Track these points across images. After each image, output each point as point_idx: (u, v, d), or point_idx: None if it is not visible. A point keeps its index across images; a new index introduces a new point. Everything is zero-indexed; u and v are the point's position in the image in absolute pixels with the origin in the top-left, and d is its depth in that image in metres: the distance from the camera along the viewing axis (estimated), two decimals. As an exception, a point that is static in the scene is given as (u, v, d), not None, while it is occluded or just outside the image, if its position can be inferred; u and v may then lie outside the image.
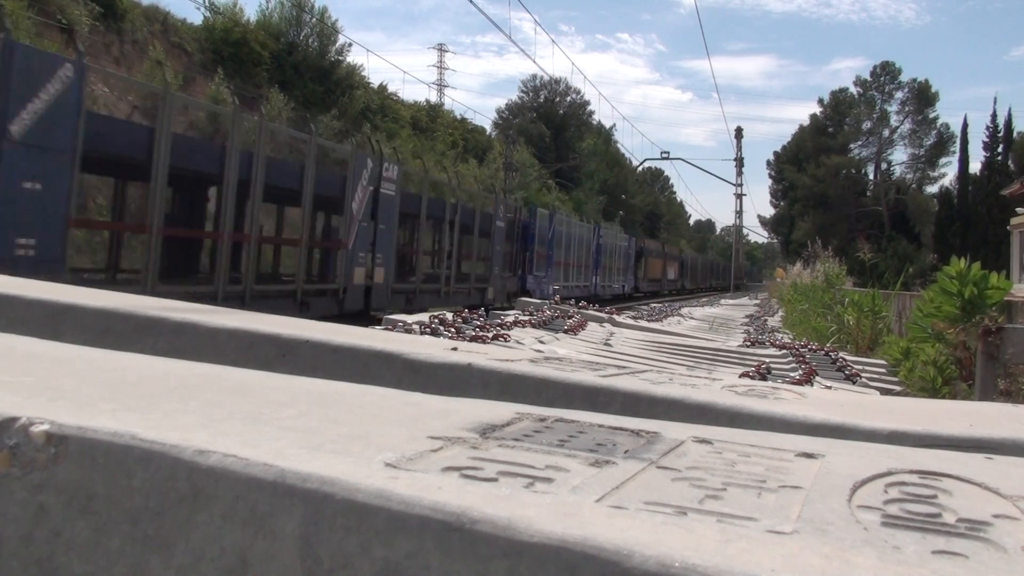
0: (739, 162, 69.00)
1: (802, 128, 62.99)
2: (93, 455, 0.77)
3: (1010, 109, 63.47)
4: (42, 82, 7.79)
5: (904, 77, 57.43)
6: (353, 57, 47.72)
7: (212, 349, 1.69)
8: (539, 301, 8.11)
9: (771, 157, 68.60)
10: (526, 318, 5.98)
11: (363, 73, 33.00)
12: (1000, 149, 39.28)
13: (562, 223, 26.75)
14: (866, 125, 58.37)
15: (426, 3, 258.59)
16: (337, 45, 31.10)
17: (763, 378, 3.71)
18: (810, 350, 5.43)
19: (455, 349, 1.81)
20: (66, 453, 0.78)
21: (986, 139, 39.47)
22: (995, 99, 77.51)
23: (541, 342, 4.49)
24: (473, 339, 4.14)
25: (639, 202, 64.96)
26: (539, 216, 24.46)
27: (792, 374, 4.09)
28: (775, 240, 77.67)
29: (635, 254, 38.02)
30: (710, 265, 68.12)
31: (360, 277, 13.52)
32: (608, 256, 32.45)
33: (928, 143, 57.26)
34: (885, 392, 4.09)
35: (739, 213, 71.13)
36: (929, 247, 42.21)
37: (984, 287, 5.42)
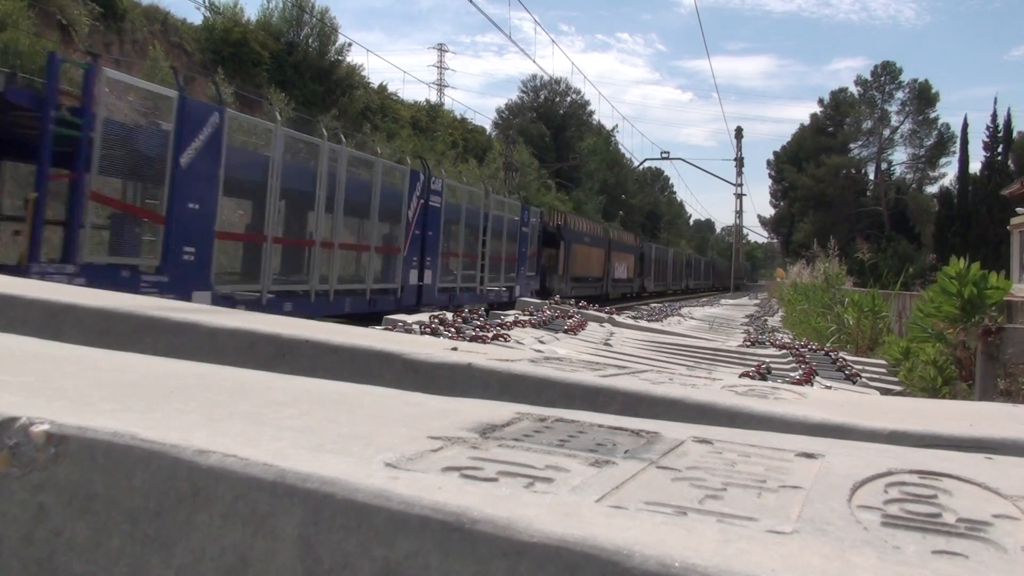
0: (739, 162, 68.99)
1: (802, 128, 63.12)
2: (93, 455, 0.77)
3: (1009, 109, 63.52)
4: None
5: (904, 77, 57.63)
6: (353, 57, 47.65)
7: (212, 349, 1.69)
8: (539, 301, 8.10)
9: (771, 157, 68.78)
10: (526, 318, 5.99)
11: (363, 73, 33.03)
12: (1000, 149, 39.30)
13: (259, 137, 11.58)
14: (866, 125, 58.49)
15: (426, 3, 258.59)
16: (337, 45, 31.13)
17: (763, 378, 3.72)
18: (810, 350, 5.44)
19: (455, 349, 1.81)
20: (66, 453, 0.78)
21: (986, 139, 39.52)
22: (995, 99, 77.61)
23: (541, 342, 4.49)
24: (473, 339, 4.15)
25: (639, 202, 64.94)
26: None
27: (792, 374, 4.09)
28: (775, 240, 77.73)
29: (541, 237, 23.44)
30: (687, 262, 54.63)
31: None
32: (465, 236, 17.51)
33: (928, 143, 57.38)
34: (885, 392, 4.09)
35: (739, 213, 71.12)
36: (929, 247, 42.24)
37: (984, 287, 5.43)
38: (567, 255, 26.11)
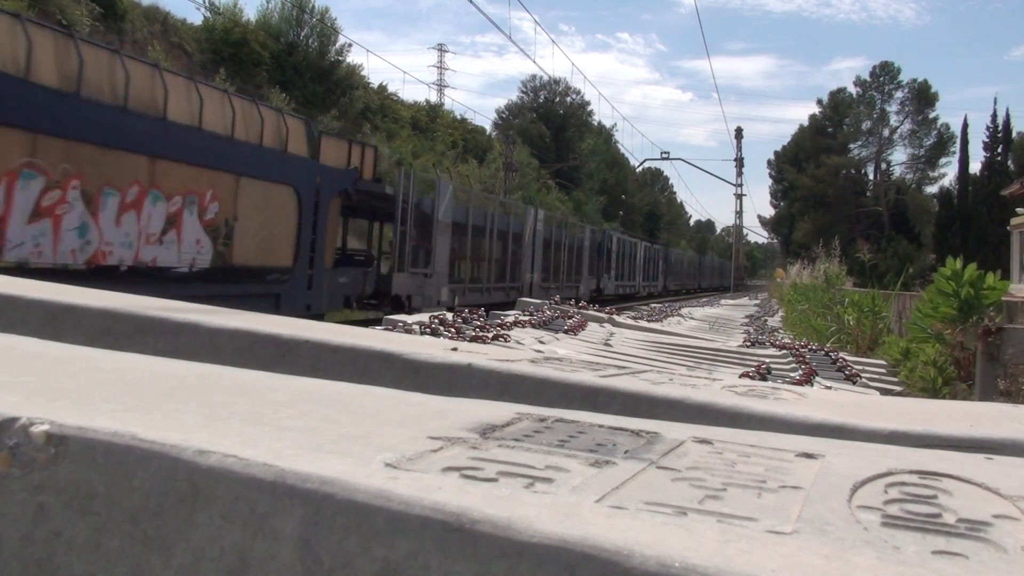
0: (739, 162, 68.84)
1: (802, 128, 63.05)
2: (93, 455, 0.77)
3: (1008, 109, 63.59)
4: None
5: (904, 77, 57.52)
6: (353, 57, 47.63)
7: (212, 349, 1.69)
8: (539, 301, 8.10)
9: (771, 157, 68.72)
10: (526, 318, 5.98)
11: (363, 73, 33.10)
12: (1000, 149, 39.30)
13: None
14: (866, 125, 58.43)
15: (426, 3, 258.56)
16: (337, 45, 31.17)
17: (763, 378, 3.71)
18: (810, 350, 5.43)
19: (455, 349, 1.81)
20: (66, 453, 0.78)
21: (986, 139, 39.52)
22: (995, 99, 77.72)
23: (541, 342, 4.49)
24: (473, 339, 4.14)
25: (639, 202, 64.95)
26: None
27: (792, 374, 4.09)
28: (775, 240, 77.72)
29: None
30: (597, 246, 29.48)
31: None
32: None
33: (928, 143, 57.30)
34: (885, 392, 4.09)
35: (739, 213, 70.98)
36: (929, 247, 42.24)
37: (980, 287, 5.42)
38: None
